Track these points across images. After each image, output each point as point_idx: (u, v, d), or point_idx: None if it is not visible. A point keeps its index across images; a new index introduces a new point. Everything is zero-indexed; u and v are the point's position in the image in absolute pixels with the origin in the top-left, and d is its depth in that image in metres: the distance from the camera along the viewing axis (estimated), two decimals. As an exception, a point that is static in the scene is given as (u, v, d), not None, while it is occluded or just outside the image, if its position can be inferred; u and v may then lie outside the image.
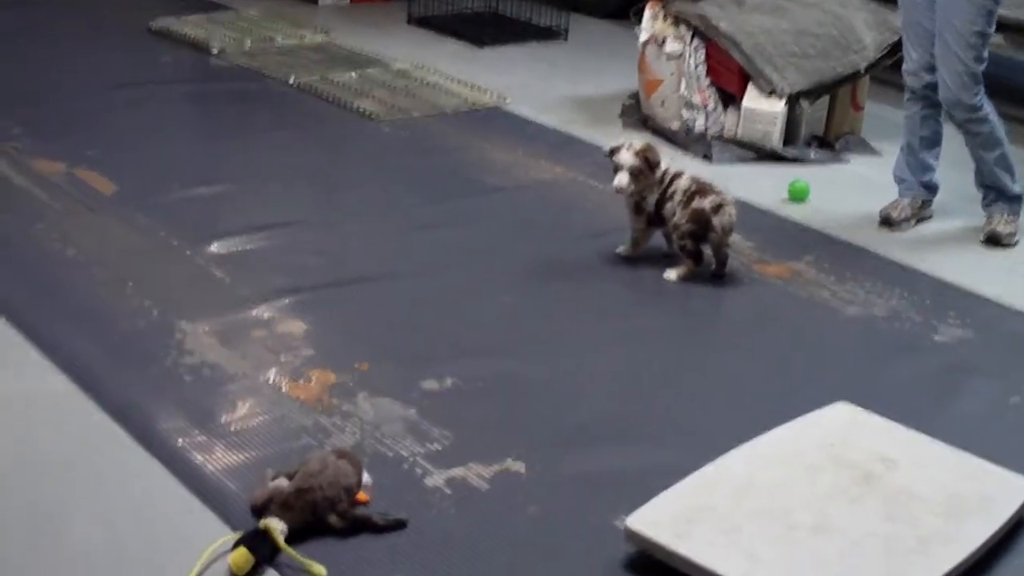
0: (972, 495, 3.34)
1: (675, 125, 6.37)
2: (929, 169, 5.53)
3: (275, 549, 3.10)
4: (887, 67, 6.32)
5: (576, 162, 5.97)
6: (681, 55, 6.36)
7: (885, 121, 6.72)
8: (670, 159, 4.98)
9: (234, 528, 3.19)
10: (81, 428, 3.67)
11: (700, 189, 4.75)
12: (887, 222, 5.42)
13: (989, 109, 5.25)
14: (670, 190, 4.77)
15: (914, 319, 4.58)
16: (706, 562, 3.02)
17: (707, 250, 4.78)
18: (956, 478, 3.41)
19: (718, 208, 4.69)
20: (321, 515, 3.20)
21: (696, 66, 6.32)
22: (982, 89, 5.19)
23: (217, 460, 3.50)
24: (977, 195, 5.46)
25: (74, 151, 5.68)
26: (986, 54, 5.14)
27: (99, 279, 4.53)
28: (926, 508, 3.27)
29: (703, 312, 4.61)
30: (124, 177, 5.44)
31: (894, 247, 5.14)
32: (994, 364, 4.31)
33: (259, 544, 3.09)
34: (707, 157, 6.11)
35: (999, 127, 5.30)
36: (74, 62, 7.14)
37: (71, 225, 4.95)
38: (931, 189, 5.56)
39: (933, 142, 5.51)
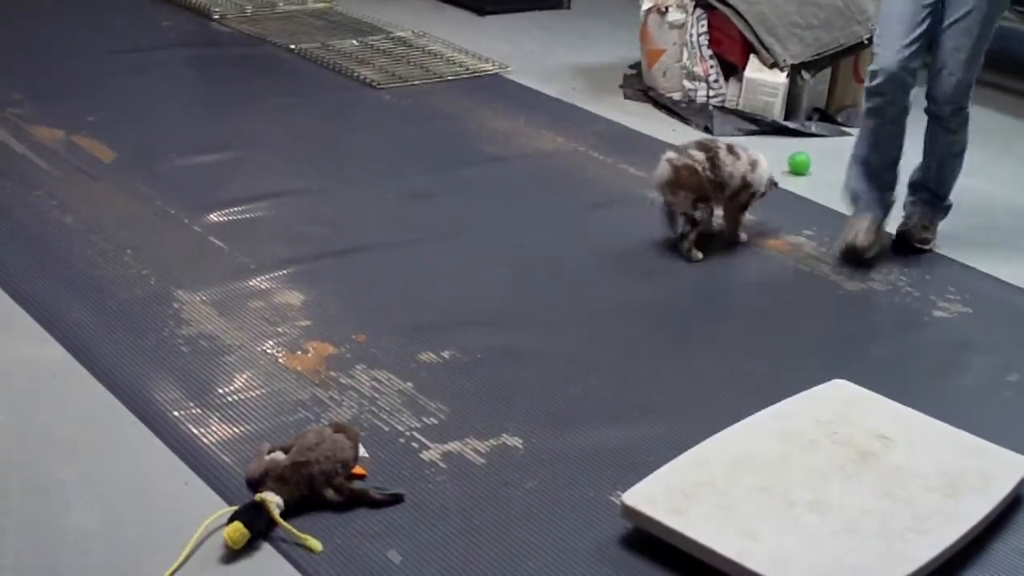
0: (969, 473, 3.33)
1: (677, 95, 6.35)
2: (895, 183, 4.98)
3: (270, 523, 3.09)
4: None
5: (577, 132, 5.95)
6: (683, 25, 6.34)
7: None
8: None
9: (229, 502, 3.18)
10: (77, 398, 3.66)
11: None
12: (852, 253, 4.77)
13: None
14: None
15: (913, 294, 4.57)
16: (702, 538, 3.02)
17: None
18: (953, 456, 3.40)
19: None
20: (317, 489, 3.20)
21: (698, 36, 6.30)
22: None
23: (213, 433, 3.50)
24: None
25: (74, 118, 5.68)
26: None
27: (97, 247, 4.52)
28: (923, 485, 3.26)
29: (702, 286, 4.59)
30: (123, 144, 5.43)
31: (893, 222, 5.12)
32: (993, 341, 4.30)
33: (254, 518, 3.08)
34: (708, 128, 6.09)
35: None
36: (74, 28, 7.13)
37: (70, 193, 4.94)
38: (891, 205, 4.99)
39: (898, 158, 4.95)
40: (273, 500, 3.11)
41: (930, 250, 4.90)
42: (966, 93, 4.72)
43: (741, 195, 4.79)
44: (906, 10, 4.58)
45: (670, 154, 4.74)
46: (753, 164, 4.80)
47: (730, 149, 4.77)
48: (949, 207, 5.00)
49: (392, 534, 3.14)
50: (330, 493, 3.21)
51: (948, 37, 4.59)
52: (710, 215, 4.75)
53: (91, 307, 4.12)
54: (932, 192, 4.96)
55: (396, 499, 3.25)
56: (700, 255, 4.70)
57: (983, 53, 4.65)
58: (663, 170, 4.70)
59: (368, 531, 3.14)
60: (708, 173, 4.68)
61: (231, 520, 3.06)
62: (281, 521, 3.09)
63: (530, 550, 3.13)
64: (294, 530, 3.08)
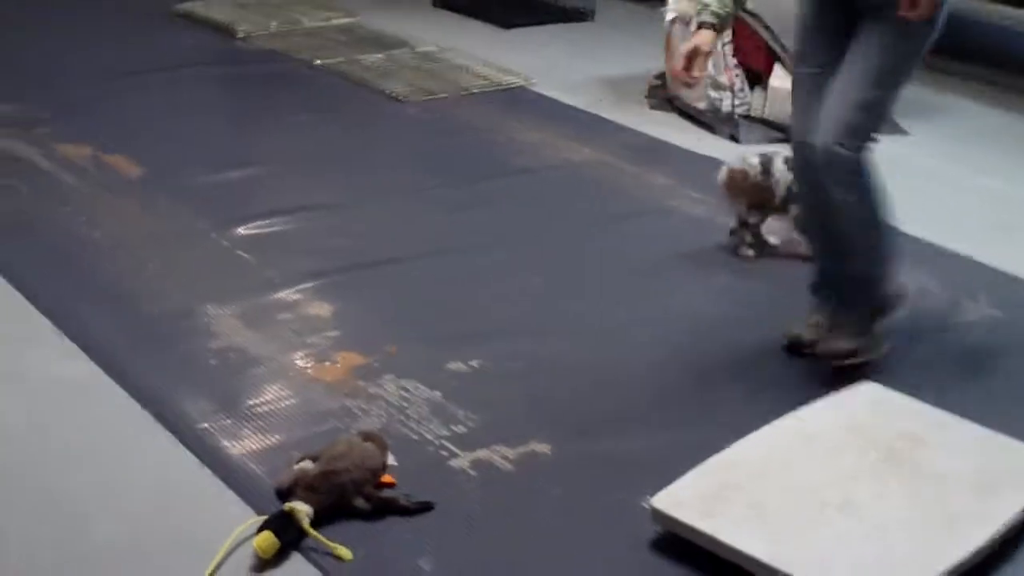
0: (1000, 473, 3.31)
1: (702, 105, 6.34)
2: None
3: (300, 533, 3.09)
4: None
5: (604, 143, 5.95)
6: (709, 35, 6.33)
7: (913, 100, 6.66)
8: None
9: (259, 512, 3.18)
10: (106, 412, 3.68)
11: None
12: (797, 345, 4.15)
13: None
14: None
15: (942, 297, 4.55)
16: (732, 541, 3.01)
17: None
18: (984, 456, 3.39)
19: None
20: (347, 498, 3.20)
21: (723, 45, 6.29)
22: None
23: (243, 444, 3.50)
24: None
25: (100, 135, 5.71)
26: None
27: (124, 262, 4.54)
28: (954, 486, 3.24)
29: (732, 295, 4.57)
30: (150, 161, 5.45)
31: (922, 225, 5.10)
32: (1022, 342, 4.28)
33: (284, 527, 3.08)
34: (734, 138, 6.09)
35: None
36: (100, 46, 7.17)
37: (97, 208, 4.97)
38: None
39: None
40: (303, 509, 3.12)
41: (863, 364, 3.97)
42: (844, 136, 3.77)
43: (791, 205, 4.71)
44: (813, 71, 3.95)
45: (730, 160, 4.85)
46: None
47: (787, 159, 4.69)
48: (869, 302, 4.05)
49: (423, 542, 3.14)
50: (360, 502, 3.21)
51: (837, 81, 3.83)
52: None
53: (120, 321, 4.14)
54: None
55: (425, 507, 3.25)
56: (751, 252, 4.77)
57: (876, 106, 3.84)
58: (720, 174, 4.79)
59: (399, 539, 3.14)
60: (759, 178, 4.72)
61: (261, 529, 3.07)
62: (311, 530, 3.10)
63: (560, 556, 3.12)
64: (324, 539, 3.09)
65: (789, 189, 4.68)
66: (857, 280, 4.02)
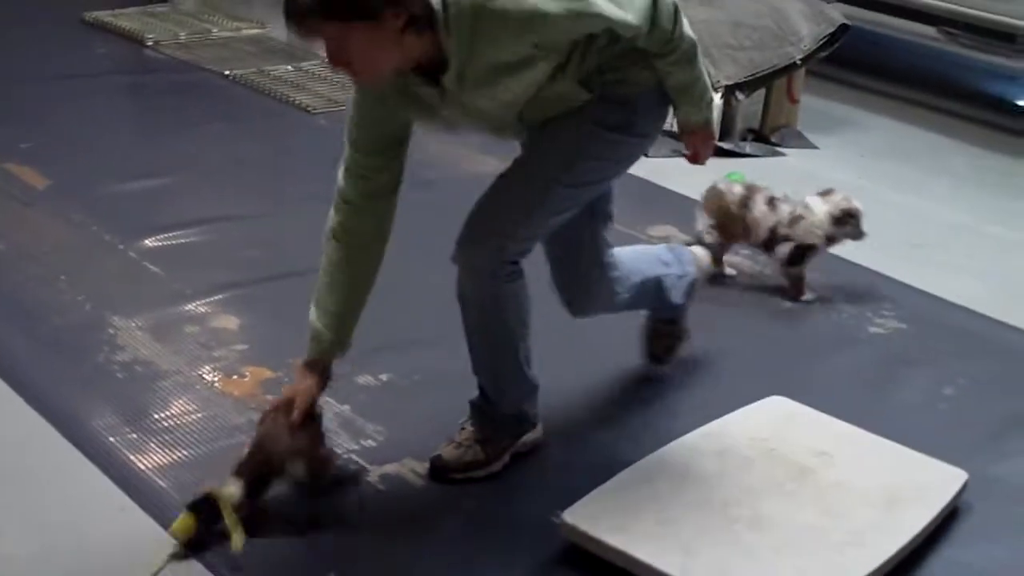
0: (907, 486, 3.35)
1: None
2: None
3: (216, 514, 3.05)
4: (823, 59, 6.34)
5: (512, 154, 5.92)
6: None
7: (821, 114, 6.76)
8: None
9: (166, 527, 3.14)
10: (9, 425, 3.63)
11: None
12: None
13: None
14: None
15: (849, 311, 4.60)
16: (643, 556, 3.02)
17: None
18: (891, 470, 3.42)
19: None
20: (278, 464, 3.15)
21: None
22: None
23: (149, 458, 3.47)
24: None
25: (6, 145, 5.63)
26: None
27: (31, 274, 4.49)
28: (861, 500, 3.27)
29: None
30: (57, 171, 5.39)
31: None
32: (928, 355, 4.33)
33: (202, 508, 3.06)
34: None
35: None
36: (5, 54, 7.08)
37: (2, 220, 4.91)
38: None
39: None
40: (227, 490, 3.07)
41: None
42: (486, 252, 3.31)
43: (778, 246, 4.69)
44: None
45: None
46: (795, 218, 4.66)
47: (771, 199, 4.71)
48: (507, 414, 3.55)
49: (330, 557, 3.12)
50: (295, 467, 3.16)
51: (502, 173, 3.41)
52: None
53: (24, 333, 4.09)
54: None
55: (355, 478, 3.27)
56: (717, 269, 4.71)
57: (534, 211, 3.30)
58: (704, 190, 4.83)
59: (306, 556, 3.12)
60: (732, 208, 4.70)
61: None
62: (227, 510, 3.04)
63: (470, 570, 3.12)
64: (234, 520, 3.03)
65: (773, 231, 4.66)
66: (484, 400, 3.57)
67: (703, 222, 4.76)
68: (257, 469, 3.16)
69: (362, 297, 3.38)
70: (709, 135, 3.44)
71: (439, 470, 3.46)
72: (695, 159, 3.49)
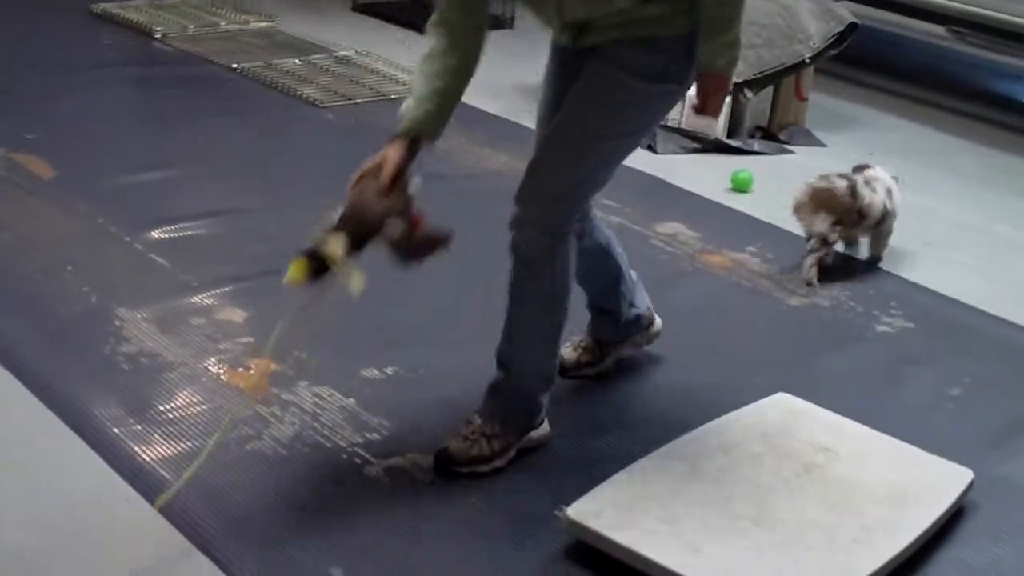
0: (913, 485, 3.34)
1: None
2: None
3: (329, 264, 3.14)
4: (831, 57, 6.33)
5: (521, 150, 5.88)
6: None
7: (829, 112, 6.75)
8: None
9: (171, 519, 3.17)
10: (15, 415, 3.62)
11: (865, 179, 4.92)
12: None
13: None
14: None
15: (856, 309, 4.59)
16: (647, 552, 3.01)
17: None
18: (897, 468, 3.41)
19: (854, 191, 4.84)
20: (377, 223, 3.20)
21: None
22: None
23: (154, 450, 3.47)
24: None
25: (13, 135, 5.62)
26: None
27: (37, 265, 4.48)
28: (867, 498, 3.27)
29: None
30: (64, 162, 5.38)
31: (837, 237, 5.16)
32: (935, 354, 4.32)
33: (315, 259, 3.14)
34: (651, 148, 6.09)
35: None
36: (13, 44, 7.06)
37: (9, 210, 4.89)
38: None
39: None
40: (331, 246, 3.14)
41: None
42: (538, 207, 3.40)
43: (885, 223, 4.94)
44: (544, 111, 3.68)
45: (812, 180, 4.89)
46: (890, 192, 4.94)
47: (866, 181, 4.88)
48: (520, 397, 3.58)
49: (335, 549, 3.11)
50: (392, 225, 3.21)
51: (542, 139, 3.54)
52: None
53: (30, 324, 4.08)
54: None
55: (447, 241, 3.32)
56: (814, 278, 4.78)
57: (579, 167, 3.39)
58: (802, 192, 4.86)
59: (311, 548, 3.12)
60: (847, 199, 4.79)
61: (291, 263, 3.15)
62: (335, 257, 3.14)
63: (474, 565, 3.11)
64: (346, 268, 3.15)
65: (884, 209, 4.86)
66: (504, 385, 3.59)
67: (824, 223, 4.78)
68: (356, 230, 3.18)
69: (459, 88, 3.41)
70: (724, 84, 3.40)
71: (444, 463, 3.45)
72: (703, 107, 3.41)
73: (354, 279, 3.14)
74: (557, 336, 3.55)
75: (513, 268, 3.46)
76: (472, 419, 3.52)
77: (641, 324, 4.01)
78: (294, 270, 3.14)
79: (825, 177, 4.87)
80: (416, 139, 3.31)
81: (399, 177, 3.27)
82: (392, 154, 3.29)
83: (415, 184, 3.33)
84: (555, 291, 3.46)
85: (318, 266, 3.14)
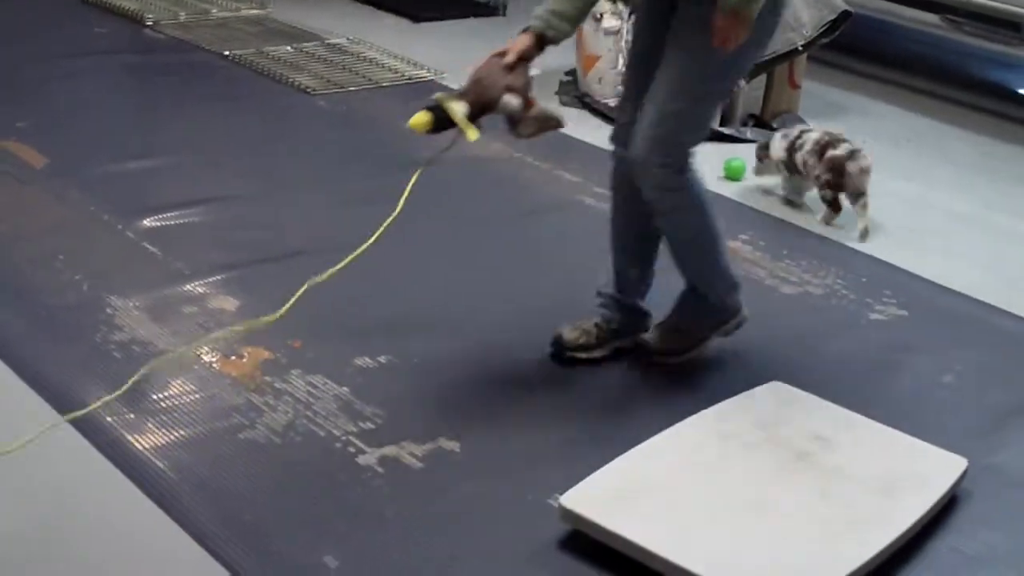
0: (906, 473, 3.34)
1: (612, 102, 6.34)
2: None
3: (450, 121, 3.51)
4: (824, 45, 6.32)
5: (512, 138, 5.92)
6: (619, 31, 6.34)
7: (822, 100, 6.74)
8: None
9: (164, 508, 3.18)
10: (7, 405, 3.61)
11: (831, 140, 5.15)
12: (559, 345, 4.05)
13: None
14: (798, 141, 5.23)
15: (849, 297, 4.59)
16: (640, 540, 3.01)
17: (846, 200, 5.17)
18: (890, 456, 3.41)
19: (852, 155, 5.09)
20: (495, 95, 3.52)
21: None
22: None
23: (147, 439, 3.46)
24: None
25: (5, 123, 5.60)
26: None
27: (28, 253, 4.47)
28: (860, 487, 3.27)
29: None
30: (55, 150, 5.36)
31: (832, 228, 5.14)
32: (928, 342, 4.32)
33: (437, 112, 3.52)
34: (644, 134, 6.08)
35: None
36: (4, 32, 7.04)
37: (0, 198, 4.88)
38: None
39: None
40: (454, 103, 3.51)
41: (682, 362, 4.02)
42: (656, 156, 3.67)
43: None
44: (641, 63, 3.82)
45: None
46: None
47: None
48: (714, 304, 4.01)
49: (328, 539, 3.11)
50: (509, 99, 3.51)
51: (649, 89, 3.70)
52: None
53: (22, 313, 4.07)
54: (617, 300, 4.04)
55: (559, 122, 3.68)
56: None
57: (687, 115, 3.68)
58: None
59: (304, 537, 3.11)
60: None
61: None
62: (459, 115, 3.50)
63: (468, 554, 3.11)
64: (465, 122, 3.50)
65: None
66: (692, 293, 4.02)
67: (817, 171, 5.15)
68: (476, 99, 3.52)
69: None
70: (745, 21, 3.48)
71: (644, 352, 4.02)
72: (722, 41, 3.50)
73: (471, 132, 3.53)
74: (718, 245, 3.92)
75: (656, 215, 3.81)
76: (669, 316, 4.02)
77: (646, 320, 4.09)
78: (417, 119, 3.54)
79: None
80: (544, 36, 3.57)
81: (522, 61, 3.56)
82: (520, 42, 3.59)
83: (534, 72, 3.61)
84: (700, 219, 3.85)
85: (439, 121, 3.53)
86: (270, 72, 6.64)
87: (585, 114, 6.40)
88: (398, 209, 3.73)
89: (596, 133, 6.06)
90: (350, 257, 3.72)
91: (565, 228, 5.00)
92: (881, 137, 6.27)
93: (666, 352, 4.01)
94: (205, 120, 6.00)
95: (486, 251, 4.78)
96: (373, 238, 3.73)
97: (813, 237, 5.08)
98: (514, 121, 3.60)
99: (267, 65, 6.74)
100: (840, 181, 5.09)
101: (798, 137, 5.23)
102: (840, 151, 5.09)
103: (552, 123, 3.65)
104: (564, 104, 6.53)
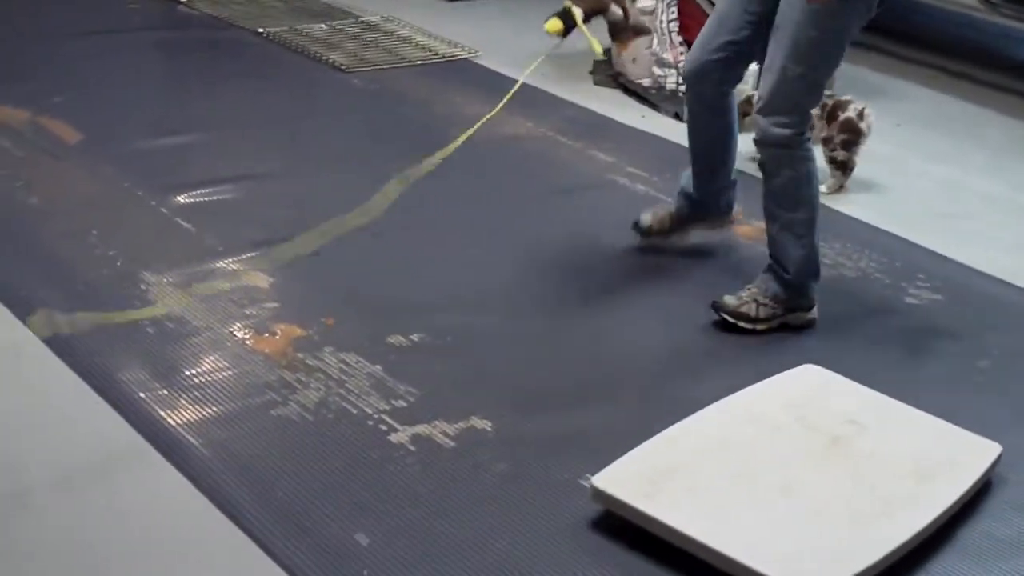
0: (939, 458, 3.33)
1: (646, 82, 6.32)
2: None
3: (574, 23, 4.45)
4: (862, 28, 6.28)
5: (547, 117, 5.92)
6: (653, 11, 6.32)
7: (858, 82, 6.70)
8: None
9: (195, 483, 3.19)
10: (41, 379, 3.63)
11: (837, 103, 5.25)
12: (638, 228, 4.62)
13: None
14: None
15: (884, 281, 4.56)
16: (672, 521, 3.01)
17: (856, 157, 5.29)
18: (924, 441, 3.40)
19: (862, 114, 5.22)
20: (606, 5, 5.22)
21: (668, 23, 6.27)
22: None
23: (180, 415, 3.47)
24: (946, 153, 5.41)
25: (39, 99, 5.62)
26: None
27: (63, 228, 4.48)
28: (893, 471, 3.25)
29: (674, 273, 4.57)
30: (90, 126, 5.38)
31: (865, 209, 5.12)
32: (963, 327, 4.29)
33: (565, 17, 4.45)
34: (678, 116, 6.05)
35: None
36: (39, 9, 7.06)
37: (35, 174, 4.90)
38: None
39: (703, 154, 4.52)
40: (575, 7, 4.45)
41: (753, 330, 4.12)
42: (776, 120, 3.95)
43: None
44: (726, 13, 4.16)
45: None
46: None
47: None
48: (791, 283, 4.14)
49: (360, 516, 3.12)
50: (612, 10, 5.33)
51: (766, 57, 3.98)
52: None
53: (57, 288, 4.08)
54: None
55: (649, 30, 5.01)
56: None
57: (805, 79, 3.92)
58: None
59: (336, 514, 3.12)
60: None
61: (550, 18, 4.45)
62: (581, 24, 4.46)
63: (499, 533, 3.11)
64: (589, 34, 4.54)
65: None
66: (775, 267, 4.17)
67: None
68: (588, 6, 4.52)
69: None
70: None
71: (717, 308, 4.12)
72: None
73: (595, 43, 4.63)
74: (812, 229, 4.11)
75: (765, 179, 4.10)
76: (749, 286, 4.15)
77: (717, 211, 4.60)
78: (551, 25, 4.43)
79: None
80: None
81: None
82: None
83: None
84: (806, 190, 4.08)
85: (567, 27, 4.43)
86: (303, 49, 6.64)
87: (619, 94, 6.37)
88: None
89: (629, 113, 6.07)
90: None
91: (598, 207, 4.99)
92: (916, 120, 6.24)
93: (736, 315, 4.11)
94: (238, 97, 6.00)
95: (520, 229, 4.78)
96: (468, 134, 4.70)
97: (848, 220, 5.05)
98: (615, 29, 4.82)
99: (300, 42, 6.74)
100: (856, 139, 5.22)
101: None
102: (851, 112, 5.20)
103: (644, 32, 5.01)
104: (598, 84, 6.50)
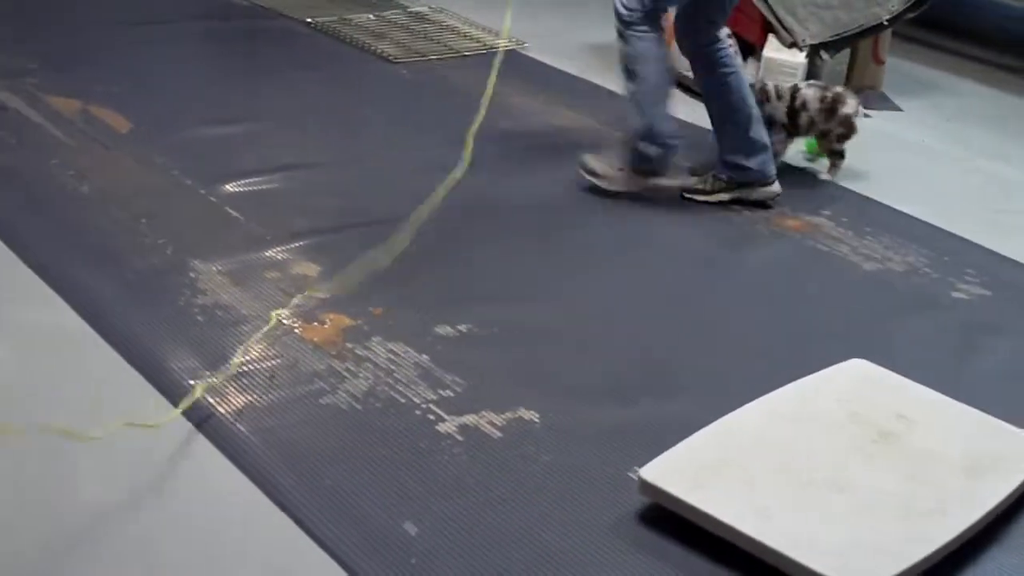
0: (989, 455, 3.31)
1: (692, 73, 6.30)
2: None
3: None
4: (910, 20, 6.25)
5: (595, 110, 5.92)
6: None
7: (907, 76, 6.68)
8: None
9: (244, 470, 3.20)
10: (92, 366, 3.65)
11: (837, 97, 5.25)
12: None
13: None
14: (797, 103, 5.25)
15: (932, 275, 4.55)
16: (720, 515, 3.00)
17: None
18: (974, 437, 3.38)
19: (857, 111, 5.28)
20: None
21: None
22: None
23: (229, 402, 3.48)
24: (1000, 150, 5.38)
25: (90, 88, 5.66)
26: None
27: (113, 217, 4.51)
28: (943, 467, 3.24)
29: (721, 265, 4.57)
30: (140, 115, 5.41)
31: (913, 203, 5.10)
32: (1012, 322, 4.27)
33: None
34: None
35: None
36: (90, -1, 7.11)
37: (86, 162, 4.92)
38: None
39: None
40: None
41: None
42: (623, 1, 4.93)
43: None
44: None
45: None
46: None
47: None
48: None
49: (408, 505, 3.12)
50: None
51: None
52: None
53: (106, 276, 4.11)
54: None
55: None
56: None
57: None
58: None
59: (384, 503, 3.13)
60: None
61: None
62: None
63: (546, 524, 3.11)
64: None
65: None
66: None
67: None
68: None
69: None
70: None
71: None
72: None
73: None
74: (648, 105, 4.90)
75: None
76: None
77: (751, 176, 4.94)
78: None
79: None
80: None
81: None
82: None
83: None
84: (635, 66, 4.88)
85: None
86: (352, 40, 6.66)
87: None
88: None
89: (678, 105, 6.03)
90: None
91: (644, 199, 4.98)
92: (967, 116, 6.21)
93: (693, 191, 4.94)
94: (286, 87, 6.02)
95: (569, 221, 4.77)
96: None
97: (895, 214, 5.03)
98: None
99: (349, 32, 6.75)
100: (850, 134, 5.28)
101: (793, 99, 5.25)
102: (849, 108, 5.22)
103: None
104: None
